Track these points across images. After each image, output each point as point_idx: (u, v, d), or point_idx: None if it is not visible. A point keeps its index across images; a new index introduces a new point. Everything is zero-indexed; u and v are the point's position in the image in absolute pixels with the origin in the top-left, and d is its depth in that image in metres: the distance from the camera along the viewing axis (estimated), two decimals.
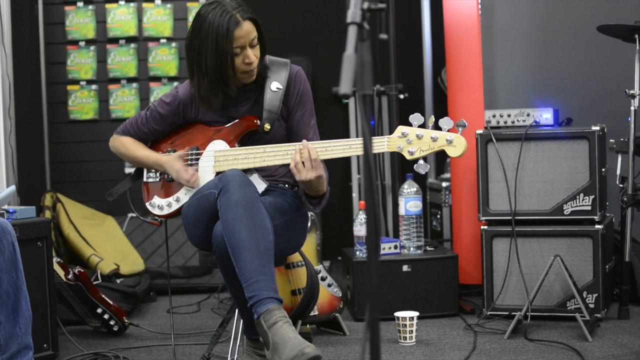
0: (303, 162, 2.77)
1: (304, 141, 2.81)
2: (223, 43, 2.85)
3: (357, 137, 4.91)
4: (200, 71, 2.92)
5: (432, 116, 2.82)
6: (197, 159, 3.04)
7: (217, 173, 2.97)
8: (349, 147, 2.81)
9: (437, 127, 2.79)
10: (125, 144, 3.16)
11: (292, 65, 3.08)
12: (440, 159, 5.19)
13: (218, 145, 3.02)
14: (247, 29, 2.87)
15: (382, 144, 2.80)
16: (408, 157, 2.79)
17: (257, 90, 3.06)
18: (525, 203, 3.85)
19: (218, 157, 3.00)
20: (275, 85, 3.03)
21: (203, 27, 2.88)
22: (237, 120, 3.03)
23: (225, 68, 2.88)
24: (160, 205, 3.08)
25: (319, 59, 5.35)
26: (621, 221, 3.85)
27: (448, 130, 2.76)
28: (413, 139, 2.77)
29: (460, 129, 2.76)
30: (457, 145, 2.76)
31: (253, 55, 2.90)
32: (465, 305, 4.06)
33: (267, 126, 3.00)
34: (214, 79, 2.91)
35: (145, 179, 3.15)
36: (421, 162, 2.78)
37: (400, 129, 2.79)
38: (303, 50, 5.33)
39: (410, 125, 2.79)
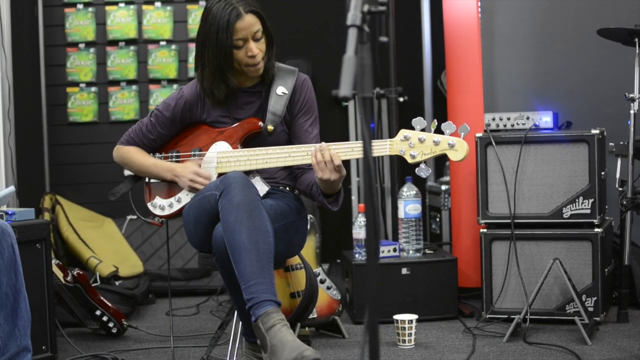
0: (325, 163, 2.78)
1: (323, 144, 2.81)
2: (223, 36, 2.88)
3: (356, 139, 4.92)
4: (203, 62, 2.96)
5: (435, 120, 2.82)
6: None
7: (219, 174, 2.97)
8: (351, 150, 2.81)
9: (439, 131, 2.79)
10: (132, 153, 3.14)
11: (299, 74, 3.09)
12: (440, 162, 5.18)
13: (221, 147, 3.02)
14: (249, 22, 2.89)
15: (385, 147, 2.80)
16: (410, 160, 2.79)
17: (262, 94, 3.06)
18: (525, 206, 3.85)
19: (220, 158, 2.99)
20: (281, 89, 3.03)
21: (207, 20, 2.93)
22: (240, 122, 3.03)
23: (225, 61, 2.91)
24: (161, 205, 3.08)
25: (319, 61, 5.35)
26: (620, 224, 3.85)
27: (450, 135, 2.76)
28: (415, 143, 2.78)
29: (462, 133, 2.76)
30: (459, 149, 2.76)
31: (256, 48, 2.93)
32: (464, 308, 4.05)
33: (271, 127, 3.00)
34: (214, 71, 2.95)
35: (147, 180, 3.14)
36: (423, 165, 2.79)
37: (403, 132, 2.79)
38: (303, 53, 5.33)
39: (412, 128, 2.79)
